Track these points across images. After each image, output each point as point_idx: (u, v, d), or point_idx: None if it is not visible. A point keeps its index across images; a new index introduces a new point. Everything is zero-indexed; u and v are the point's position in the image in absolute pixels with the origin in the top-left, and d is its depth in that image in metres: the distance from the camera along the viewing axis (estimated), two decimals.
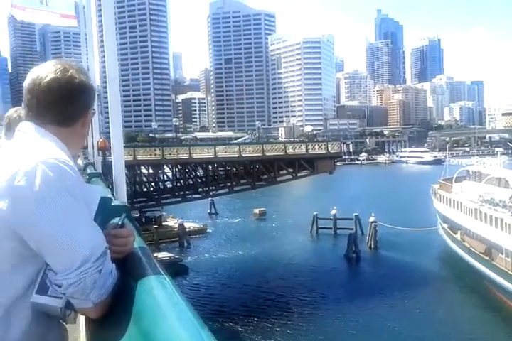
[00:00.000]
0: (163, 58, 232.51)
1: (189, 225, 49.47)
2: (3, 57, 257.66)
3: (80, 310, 1.30)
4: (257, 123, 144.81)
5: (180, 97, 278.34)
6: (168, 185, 39.63)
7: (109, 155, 5.10)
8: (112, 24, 2.83)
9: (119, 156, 2.76)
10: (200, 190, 39.14)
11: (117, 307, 1.31)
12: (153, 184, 39.15)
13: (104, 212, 1.43)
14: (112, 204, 1.81)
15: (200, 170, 40.01)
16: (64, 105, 1.43)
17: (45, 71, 1.43)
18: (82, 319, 1.79)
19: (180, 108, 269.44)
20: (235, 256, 40.33)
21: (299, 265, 37.30)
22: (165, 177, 40.21)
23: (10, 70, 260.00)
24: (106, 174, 6.25)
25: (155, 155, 36.73)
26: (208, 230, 51.08)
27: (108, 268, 1.27)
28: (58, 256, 1.20)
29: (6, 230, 1.18)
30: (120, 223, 1.44)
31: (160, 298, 1.18)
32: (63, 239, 1.19)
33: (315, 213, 47.84)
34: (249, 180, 37.77)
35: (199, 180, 39.82)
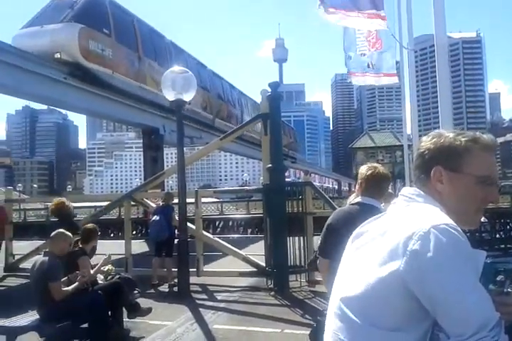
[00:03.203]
0: (478, 101, 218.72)
1: None
2: (327, 117, 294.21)
3: None
4: None
5: (499, 140, 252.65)
6: (486, 236, 35.81)
7: None
8: (447, 76, 3.00)
9: None
10: None
11: None
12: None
13: (485, 277, 1.35)
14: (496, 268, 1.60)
15: None
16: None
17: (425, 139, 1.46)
18: None
19: (497, 152, 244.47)
20: None
21: None
22: (482, 227, 36.61)
23: (331, 128, 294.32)
24: None
25: None
26: None
27: (503, 339, 1.18)
28: (451, 321, 1.19)
29: (399, 287, 1.23)
30: (506, 291, 1.33)
31: None
32: (457, 304, 1.17)
33: None
34: None
35: None
